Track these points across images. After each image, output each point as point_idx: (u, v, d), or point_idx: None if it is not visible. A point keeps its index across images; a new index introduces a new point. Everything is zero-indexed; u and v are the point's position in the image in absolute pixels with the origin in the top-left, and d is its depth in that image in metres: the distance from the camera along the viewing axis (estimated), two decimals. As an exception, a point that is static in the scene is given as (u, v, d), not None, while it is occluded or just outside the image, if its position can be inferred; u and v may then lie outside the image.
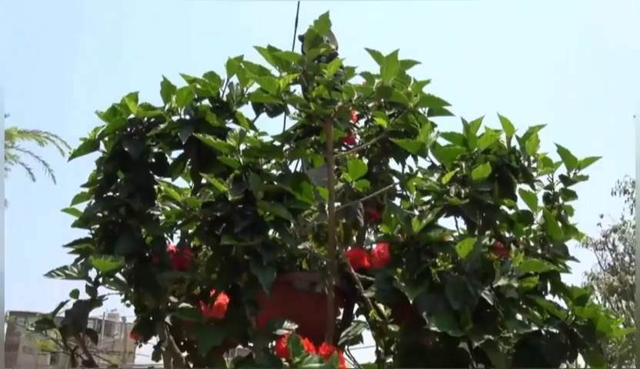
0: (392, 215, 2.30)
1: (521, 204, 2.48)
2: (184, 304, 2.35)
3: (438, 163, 2.45)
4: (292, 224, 2.35)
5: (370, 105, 2.50)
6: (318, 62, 2.29)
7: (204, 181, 2.27)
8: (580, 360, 2.31)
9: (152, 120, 2.38)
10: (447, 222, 2.37)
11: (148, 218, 2.32)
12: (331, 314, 2.38)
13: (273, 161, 2.40)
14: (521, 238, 2.48)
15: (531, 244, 2.45)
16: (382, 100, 2.44)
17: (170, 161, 2.42)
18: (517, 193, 2.47)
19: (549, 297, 2.35)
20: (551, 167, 2.51)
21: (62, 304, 2.25)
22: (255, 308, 2.22)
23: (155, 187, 2.40)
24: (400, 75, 2.36)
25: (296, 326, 2.18)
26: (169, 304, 2.37)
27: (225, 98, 2.43)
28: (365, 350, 2.65)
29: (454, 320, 2.04)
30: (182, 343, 2.50)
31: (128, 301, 2.43)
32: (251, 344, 2.25)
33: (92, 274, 2.21)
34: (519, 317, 2.14)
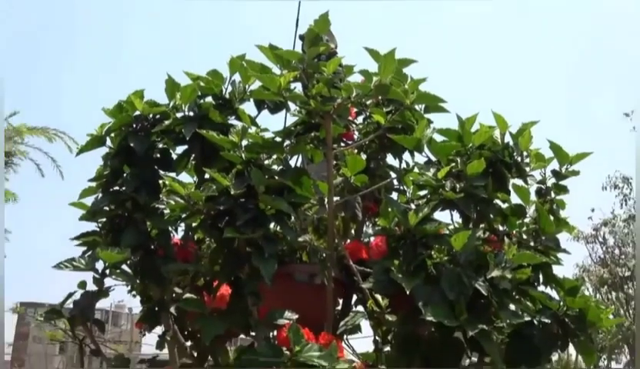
0: (390, 209, 2.30)
1: (515, 198, 2.48)
2: (188, 295, 2.35)
3: (434, 158, 2.45)
4: (293, 218, 2.35)
5: (368, 102, 2.49)
6: (317, 61, 2.29)
7: (207, 175, 2.27)
8: (571, 349, 2.31)
9: (157, 116, 2.38)
10: (442, 215, 2.38)
11: (153, 212, 2.32)
12: (330, 304, 2.38)
13: (274, 157, 2.40)
14: (514, 231, 2.47)
15: (524, 236, 2.45)
16: (380, 97, 2.43)
17: (174, 156, 2.42)
18: (510, 187, 2.47)
19: (541, 288, 2.35)
20: (544, 163, 2.51)
21: (70, 295, 2.25)
22: (257, 299, 2.22)
23: (160, 181, 2.40)
24: (397, 73, 2.36)
25: (296, 316, 2.19)
26: (174, 295, 2.37)
27: (227, 96, 2.43)
28: (363, 339, 2.66)
29: (449, 310, 2.04)
30: (186, 332, 2.50)
31: (133, 292, 2.43)
32: (253, 334, 2.26)
33: (99, 265, 2.21)
34: (512, 307, 2.15)
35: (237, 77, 2.43)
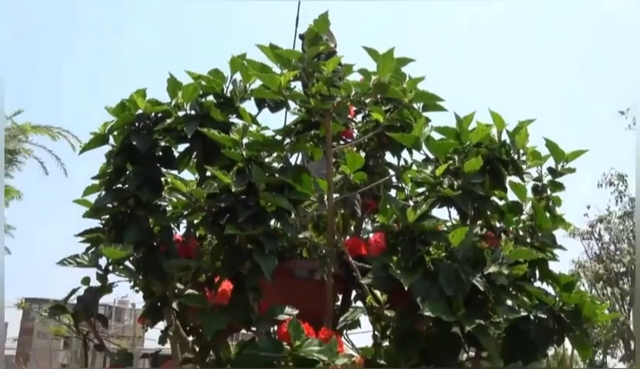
0: (388, 206, 2.30)
1: (511, 196, 2.49)
2: (190, 291, 2.35)
3: (432, 156, 2.45)
4: (293, 215, 2.35)
5: (367, 101, 2.49)
6: (317, 60, 2.28)
7: (209, 173, 2.27)
8: (567, 343, 2.31)
9: (159, 115, 2.37)
10: (440, 212, 2.38)
11: (156, 209, 2.32)
12: (330, 300, 2.38)
13: (275, 154, 2.40)
14: (511, 228, 2.48)
15: (521, 233, 2.45)
16: (379, 96, 2.43)
17: (176, 154, 2.42)
18: (507, 185, 2.47)
19: (538, 283, 2.35)
20: (540, 160, 2.51)
21: (74, 291, 2.26)
22: (258, 294, 2.22)
23: (162, 179, 2.40)
24: (396, 72, 2.35)
25: (297, 311, 2.19)
26: (176, 291, 2.37)
27: (228, 94, 2.43)
28: (363, 334, 2.66)
29: (447, 305, 2.04)
30: (188, 327, 2.50)
31: (136, 288, 2.43)
32: (254, 329, 2.26)
33: (103, 262, 2.22)
34: (509, 302, 2.15)
35: (238, 76, 2.43)
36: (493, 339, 2.17)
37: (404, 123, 2.53)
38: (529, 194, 2.50)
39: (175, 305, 2.36)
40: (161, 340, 2.45)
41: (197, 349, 2.44)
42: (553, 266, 2.39)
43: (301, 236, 2.49)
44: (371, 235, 2.52)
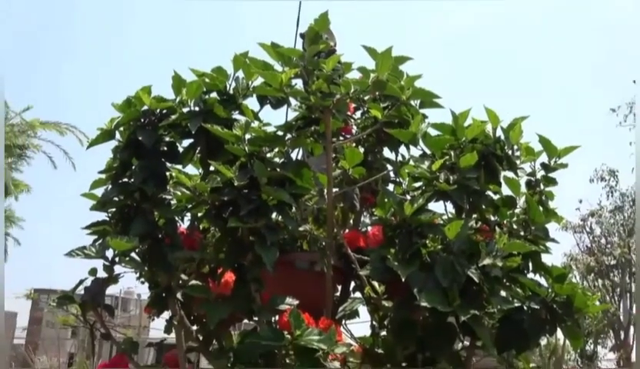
0: (386, 200, 2.30)
1: (506, 190, 2.49)
2: (194, 282, 2.36)
3: (428, 151, 2.45)
4: (294, 208, 2.35)
5: (366, 98, 2.49)
6: (317, 58, 2.28)
7: (212, 167, 2.27)
8: (559, 333, 2.31)
9: (164, 111, 2.37)
10: (436, 206, 2.38)
11: (161, 202, 2.32)
12: (329, 290, 2.38)
13: (276, 150, 2.40)
14: (505, 221, 2.47)
15: (515, 226, 2.45)
16: (377, 93, 2.43)
17: (181, 149, 2.42)
18: (501, 179, 2.47)
19: (531, 275, 2.35)
20: (533, 156, 2.51)
21: (81, 282, 2.26)
22: (259, 285, 2.23)
23: (167, 173, 2.40)
24: (394, 70, 2.36)
25: (297, 302, 2.19)
26: (180, 282, 2.37)
27: (231, 91, 2.43)
28: (361, 324, 2.66)
29: (443, 296, 2.04)
30: (192, 317, 2.50)
31: (142, 279, 2.43)
32: (255, 318, 2.26)
33: (109, 253, 2.22)
34: (503, 293, 2.15)
35: (240, 73, 2.42)
36: (487, 329, 2.18)
37: (401, 119, 2.53)
38: (523, 188, 2.50)
39: (179, 295, 2.36)
40: (167, 330, 2.45)
41: (200, 338, 2.45)
42: (546, 258, 2.39)
43: (301, 229, 2.50)
44: (369, 228, 2.52)
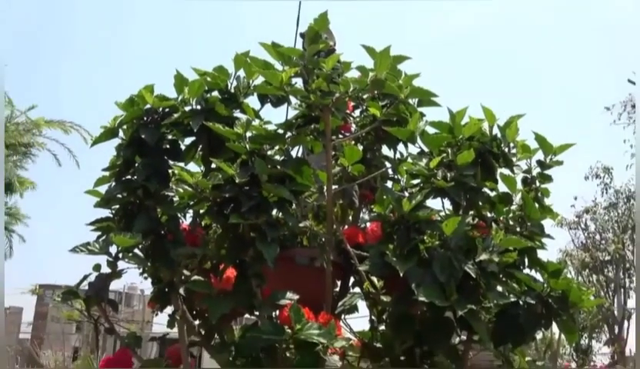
0: (385, 196, 2.30)
1: (502, 187, 2.48)
2: (196, 277, 2.36)
3: (426, 149, 2.45)
4: (294, 205, 2.35)
5: (365, 97, 2.49)
6: (317, 57, 2.28)
7: (214, 165, 2.27)
8: (555, 328, 2.31)
9: (166, 110, 2.37)
10: (434, 203, 2.38)
11: (163, 199, 2.32)
12: (329, 286, 2.38)
13: (276, 147, 2.40)
14: (501, 218, 2.47)
15: (511, 222, 2.45)
16: (376, 92, 2.43)
17: (183, 147, 2.42)
18: (498, 176, 2.47)
19: (527, 271, 2.35)
20: (529, 153, 2.51)
21: (86, 277, 2.26)
22: (260, 281, 2.23)
23: (170, 171, 2.40)
24: (392, 69, 2.35)
25: (297, 297, 2.19)
26: (183, 277, 2.37)
27: (232, 90, 2.43)
28: (360, 318, 2.66)
29: (440, 291, 2.04)
30: (195, 312, 2.51)
31: (145, 274, 2.43)
32: (256, 313, 2.26)
33: (113, 249, 2.22)
34: (499, 288, 2.15)
35: (241, 73, 2.42)
36: (484, 323, 2.18)
37: (400, 117, 2.53)
38: (519, 185, 2.50)
39: (181, 291, 2.37)
40: (170, 324, 2.45)
41: (203, 332, 2.45)
42: (541, 254, 2.39)
43: (301, 225, 2.50)
44: (368, 224, 2.52)
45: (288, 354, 2.06)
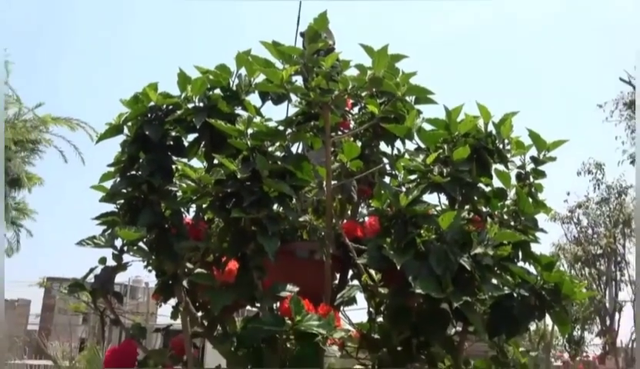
0: (382, 191, 2.30)
1: (497, 182, 2.49)
2: (199, 270, 2.36)
3: (423, 145, 2.45)
4: (294, 199, 2.35)
5: (363, 94, 2.48)
6: (317, 56, 2.28)
7: (216, 161, 2.27)
8: (548, 319, 2.32)
9: (170, 107, 2.37)
10: (431, 198, 2.38)
11: (167, 194, 2.32)
12: (328, 278, 2.38)
13: (277, 144, 2.39)
14: (496, 212, 2.47)
15: (505, 217, 2.45)
16: (374, 89, 2.43)
17: (186, 143, 2.41)
18: (492, 172, 2.47)
19: (521, 264, 2.35)
20: (523, 150, 2.51)
21: (92, 270, 2.26)
22: (262, 273, 2.23)
23: (173, 166, 2.40)
24: (390, 68, 2.35)
25: (297, 289, 2.19)
26: (186, 270, 2.37)
27: (234, 88, 2.42)
28: (359, 310, 2.67)
29: (436, 283, 2.04)
30: (197, 304, 2.51)
31: (149, 267, 2.43)
32: (258, 305, 2.26)
33: (118, 243, 2.22)
34: (494, 281, 2.15)
35: (243, 71, 2.42)
36: (479, 315, 2.18)
37: (397, 115, 2.53)
38: (513, 181, 2.50)
39: (185, 283, 2.37)
40: (173, 316, 2.45)
41: (205, 323, 2.45)
42: (535, 247, 2.39)
43: (301, 219, 2.50)
44: (366, 219, 2.52)
45: (288, 345, 2.06)
